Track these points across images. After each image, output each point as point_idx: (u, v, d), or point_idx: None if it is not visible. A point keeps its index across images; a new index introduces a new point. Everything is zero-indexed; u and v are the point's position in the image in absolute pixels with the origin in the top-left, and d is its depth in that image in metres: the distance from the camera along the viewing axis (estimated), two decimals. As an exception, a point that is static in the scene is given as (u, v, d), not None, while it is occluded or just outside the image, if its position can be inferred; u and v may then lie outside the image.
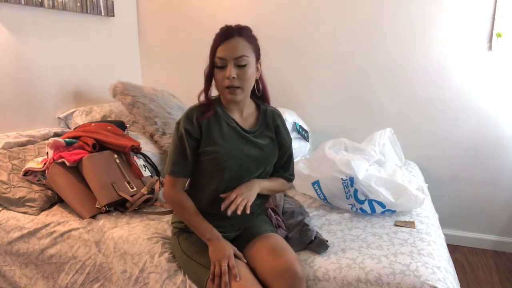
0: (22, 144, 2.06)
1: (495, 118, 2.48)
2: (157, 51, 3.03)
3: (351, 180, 1.75)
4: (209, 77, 1.38)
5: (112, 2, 2.72)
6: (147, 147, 2.21)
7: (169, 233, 1.61)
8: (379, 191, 1.70)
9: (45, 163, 1.82)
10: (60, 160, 1.78)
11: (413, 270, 1.32)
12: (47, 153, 1.83)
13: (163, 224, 1.67)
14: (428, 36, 2.50)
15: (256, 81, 1.44)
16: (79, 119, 2.36)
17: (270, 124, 1.50)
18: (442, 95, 2.54)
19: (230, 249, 1.32)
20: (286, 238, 1.53)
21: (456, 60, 2.48)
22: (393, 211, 1.76)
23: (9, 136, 2.05)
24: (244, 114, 1.46)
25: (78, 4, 2.44)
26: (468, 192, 2.61)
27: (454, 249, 2.59)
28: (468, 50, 2.45)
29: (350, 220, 1.72)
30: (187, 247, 1.41)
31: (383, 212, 1.76)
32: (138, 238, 1.57)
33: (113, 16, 2.75)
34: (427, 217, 1.75)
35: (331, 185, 1.82)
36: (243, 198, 1.34)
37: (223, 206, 1.33)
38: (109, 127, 2.04)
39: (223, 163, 1.37)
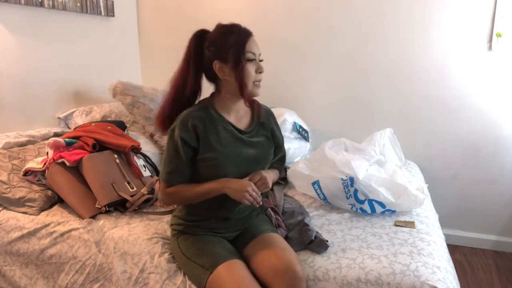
0: (22, 144, 2.06)
1: (495, 118, 2.48)
2: (157, 51, 3.03)
3: (351, 180, 1.75)
4: (198, 77, 1.38)
5: (112, 2, 2.72)
6: (147, 147, 2.21)
7: (169, 233, 1.60)
8: (379, 191, 1.70)
9: (45, 163, 1.82)
10: (60, 160, 1.78)
11: (413, 270, 1.32)
12: (47, 153, 1.83)
13: (163, 224, 1.67)
14: (428, 36, 2.50)
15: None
16: (79, 119, 2.36)
17: (265, 122, 1.50)
18: (442, 95, 2.54)
19: (243, 180, 1.33)
20: (286, 238, 1.53)
21: (456, 60, 2.48)
22: (393, 211, 1.76)
23: (9, 136, 2.05)
24: (239, 114, 1.44)
25: (78, 4, 2.44)
26: (468, 192, 2.61)
27: (454, 249, 2.59)
28: (468, 50, 2.45)
29: (350, 220, 1.72)
30: (186, 249, 1.41)
31: (383, 212, 1.76)
32: (138, 238, 1.57)
33: (113, 16, 2.75)
34: (427, 217, 1.75)
35: (331, 185, 1.82)
36: (264, 185, 1.36)
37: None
38: (109, 127, 2.04)
39: (223, 170, 1.35)
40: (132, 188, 1.84)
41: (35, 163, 1.85)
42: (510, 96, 2.43)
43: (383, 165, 2.10)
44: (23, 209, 1.76)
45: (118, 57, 2.86)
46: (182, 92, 1.38)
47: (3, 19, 2.06)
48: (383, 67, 2.61)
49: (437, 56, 2.51)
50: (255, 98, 1.47)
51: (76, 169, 1.80)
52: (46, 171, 1.80)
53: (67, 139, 1.88)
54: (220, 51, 1.32)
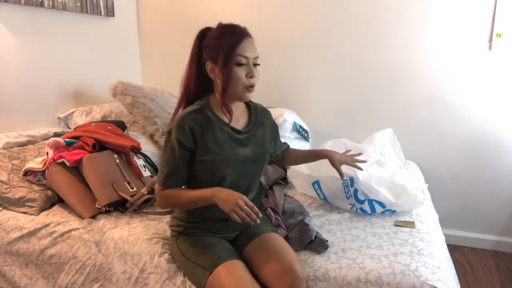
0: (22, 144, 2.06)
1: (495, 118, 2.48)
2: (157, 51, 3.03)
3: (351, 180, 1.75)
4: (200, 77, 1.35)
5: (112, 2, 2.72)
6: (147, 147, 2.21)
7: (169, 233, 1.60)
8: (379, 191, 1.70)
9: (45, 163, 1.82)
10: (60, 160, 1.78)
11: (413, 270, 1.32)
12: (47, 153, 1.83)
13: (163, 225, 1.67)
14: (428, 36, 2.50)
15: None
16: (79, 119, 2.36)
17: (262, 122, 1.49)
18: (442, 95, 2.54)
19: (236, 193, 1.25)
20: (286, 238, 1.53)
21: (456, 60, 2.48)
22: (393, 211, 1.77)
23: (9, 136, 2.05)
24: (236, 115, 1.41)
25: (78, 4, 2.44)
26: (468, 192, 2.61)
27: (454, 249, 2.59)
28: (468, 50, 2.45)
29: (350, 220, 1.72)
30: (185, 249, 1.41)
31: (383, 212, 1.76)
32: (138, 239, 1.57)
33: (113, 16, 2.75)
34: (427, 217, 1.75)
35: (331, 185, 1.82)
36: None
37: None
38: (109, 127, 2.04)
39: (221, 171, 1.34)
40: (132, 188, 1.84)
41: (35, 163, 1.85)
42: (510, 96, 2.43)
43: (383, 165, 2.10)
44: (23, 209, 1.77)
45: (118, 57, 2.86)
46: (189, 92, 1.38)
47: (3, 19, 2.06)
48: (383, 67, 2.61)
49: (437, 56, 2.51)
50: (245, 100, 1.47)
51: (76, 169, 1.80)
52: (46, 171, 1.80)
53: (67, 139, 1.88)
54: (212, 52, 1.31)
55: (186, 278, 1.42)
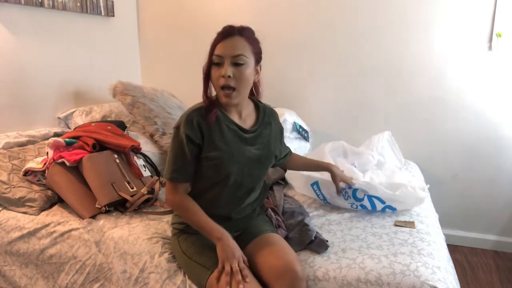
0: (22, 144, 2.06)
1: (495, 118, 2.48)
2: (157, 51, 3.03)
3: (349, 187, 1.77)
4: (207, 76, 1.35)
5: (112, 2, 2.72)
6: (147, 147, 2.21)
7: (169, 233, 1.60)
8: (377, 186, 1.71)
9: (45, 163, 1.82)
10: (60, 160, 1.78)
11: (413, 270, 1.32)
12: (47, 153, 1.83)
13: (163, 224, 1.67)
14: (428, 36, 2.50)
15: (255, 84, 1.42)
16: (79, 119, 2.36)
17: (269, 122, 1.49)
18: (442, 95, 2.54)
19: (240, 250, 1.30)
20: (286, 238, 1.53)
21: (456, 60, 2.48)
22: (394, 209, 1.76)
23: (9, 136, 2.05)
24: (243, 115, 1.42)
25: (78, 4, 2.44)
26: (468, 192, 2.61)
27: (454, 249, 2.59)
28: (468, 50, 2.45)
29: (350, 220, 1.72)
30: (187, 248, 1.41)
31: (383, 209, 1.76)
32: (138, 238, 1.57)
33: (113, 16, 2.75)
34: (427, 217, 1.75)
35: (331, 185, 1.82)
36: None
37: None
38: (109, 127, 2.04)
39: (227, 169, 1.35)
40: (132, 188, 1.84)
41: (35, 163, 1.85)
42: (510, 96, 2.43)
43: (382, 165, 2.10)
44: (23, 209, 1.77)
45: (118, 57, 2.86)
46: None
47: (3, 19, 2.06)
48: (383, 67, 2.61)
49: (437, 56, 2.51)
50: (261, 101, 1.47)
51: (76, 169, 1.80)
52: (46, 171, 1.80)
53: (67, 139, 1.88)
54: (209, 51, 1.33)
55: (186, 278, 1.42)
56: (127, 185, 1.83)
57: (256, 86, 1.44)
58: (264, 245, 1.38)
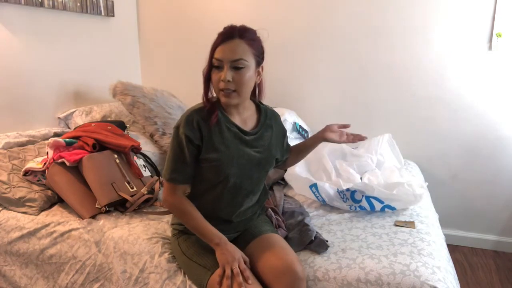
0: (22, 144, 2.06)
1: (495, 118, 2.48)
2: (157, 51, 3.03)
3: (347, 189, 1.77)
4: (207, 79, 1.34)
5: (112, 2, 2.72)
6: (147, 147, 2.21)
7: (169, 233, 1.60)
8: (374, 186, 1.71)
9: (45, 163, 1.82)
10: (60, 160, 1.78)
11: (413, 270, 1.32)
12: (47, 153, 1.83)
13: (163, 224, 1.67)
14: (428, 36, 2.50)
15: (257, 85, 1.41)
16: (79, 119, 2.36)
17: (271, 125, 1.48)
18: (442, 95, 2.54)
19: (239, 252, 1.30)
20: (286, 238, 1.53)
21: (456, 60, 2.48)
22: (393, 209, 1.76)
23: (9, 136, 2.05)
24: (244, 116, 1.41)
25: (78, 4, 2.44)
26: (468, 192, 2.61)
27: (454, 249, 2.59)
28: (468, 50, 2.45)
29: (350, 220, 1.72)
30: (186, 248, 1.41)
31: (383, 209, 1.76)
32: (138, 238, 1.57)
33: (113, 16, 2.75)
34: (427, 217, 1.75)
35: (329, 187, 1.83)
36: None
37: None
38: (109, 127, 2.04)
39: (225, 171, 1.34)
40: (132, 188, 1.84)
41: (35, 163, 1.85)
42: (510, 96, 2.43)
43: (382, 165, 2.10)
44: (23, 209, 1.77)
45: (118, 57, 2.86)
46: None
47: (3, 19, 2.06)
48: (383, 67, 2.61)
49: (437, 56, 2.51)
50: (262, 101, 1.46)
51: (76, 169, 1.80)
52: (46, 171, 1.80)
53: (67, 139, 1.88)
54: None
55: (186, 278, 1.42)
56: (127, 185, 1.83)
57: (258, 87, 1.43)
58: (264, 245, 1.38)
